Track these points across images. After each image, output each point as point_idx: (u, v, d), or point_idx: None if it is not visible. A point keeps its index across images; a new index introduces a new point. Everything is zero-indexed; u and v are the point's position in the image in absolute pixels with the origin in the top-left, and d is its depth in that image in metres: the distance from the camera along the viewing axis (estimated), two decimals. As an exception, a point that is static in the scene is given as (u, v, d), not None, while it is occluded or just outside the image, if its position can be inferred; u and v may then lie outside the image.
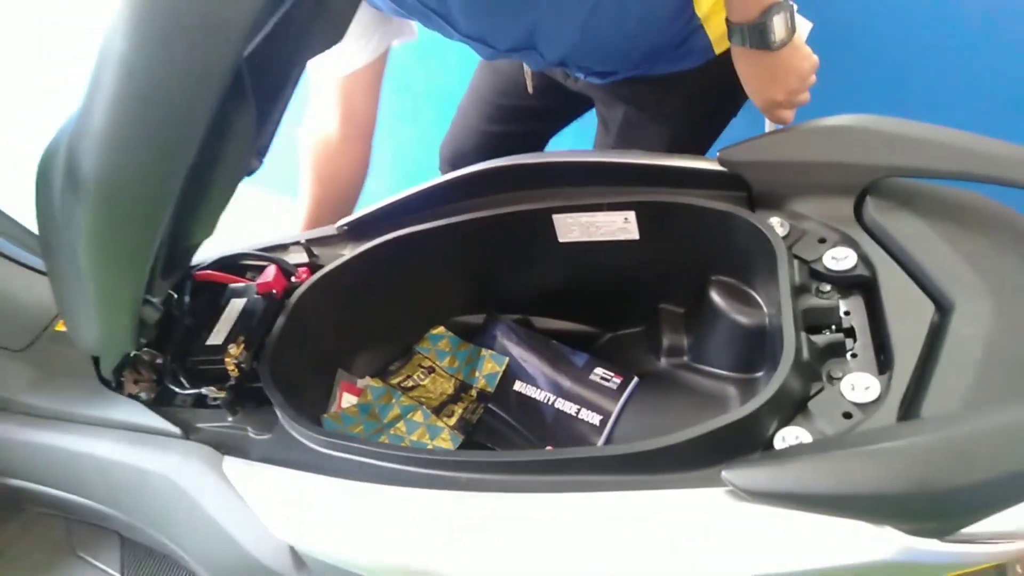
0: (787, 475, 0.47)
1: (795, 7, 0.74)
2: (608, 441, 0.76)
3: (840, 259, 0.62)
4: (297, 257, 0.82)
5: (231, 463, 0.64)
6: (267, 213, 1.58)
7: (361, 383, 0.81)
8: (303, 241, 0.82)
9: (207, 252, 0.79)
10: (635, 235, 0.74)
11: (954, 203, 0.63)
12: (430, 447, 0.76)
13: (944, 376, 0.51)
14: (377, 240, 0.78)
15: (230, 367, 0.68)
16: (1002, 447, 0.43)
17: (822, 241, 0.64)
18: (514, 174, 0.76)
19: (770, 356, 0.66)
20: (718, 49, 0.88)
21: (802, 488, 0.47)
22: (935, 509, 0.44)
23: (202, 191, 0.52)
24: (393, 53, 0.95)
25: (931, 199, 0.63)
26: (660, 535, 0.50)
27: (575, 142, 1.34)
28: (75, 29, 2.07)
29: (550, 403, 0.79)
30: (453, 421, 0.79)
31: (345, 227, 0.81)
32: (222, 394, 0.67)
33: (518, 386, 0.82)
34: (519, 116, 1.14)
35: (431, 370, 0.85)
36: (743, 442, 0.52)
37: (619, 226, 0.74)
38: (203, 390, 0.68)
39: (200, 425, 0.69)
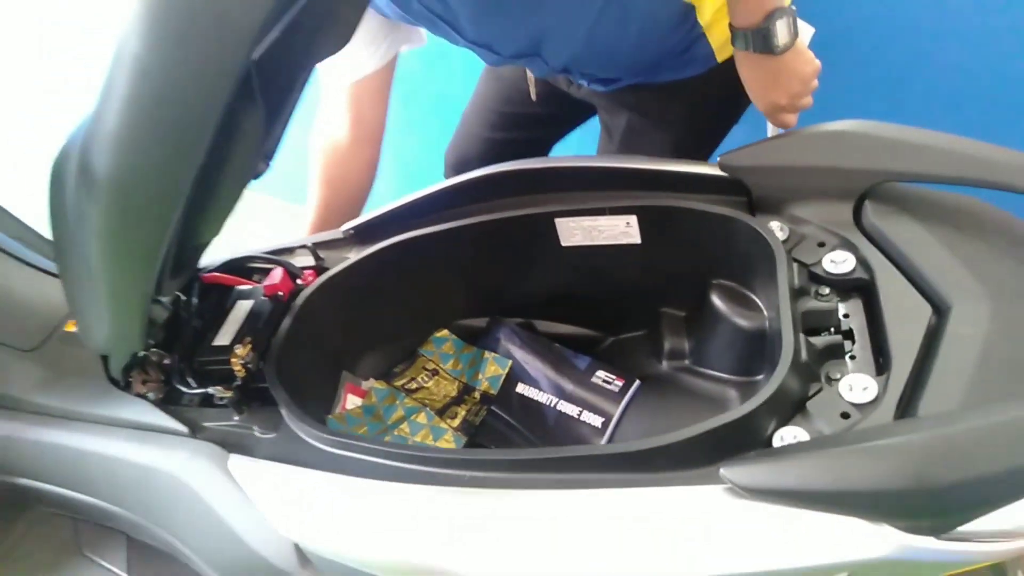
0: (784, 472, 0.48)
1: (795, 11, 0.75)
2: (610, 443, 0.76)
3: (839, 262, 0.63)
4: (303, 260, 0.83)
5: (237, 461, 0.65)
6: (274, 219, 1.59)
7: (365, 385, 0.82)
8: (309, 244, 0.83)
9: (214, 255, 0.80)
10: (637, 239, 0.75)
11: (952, 208, 0.64)
12: (433, 448, 0.77)
13: (941, 377, 0.51)
14: (382, 243, 0.79)
15: (236, 367, 0.69)
16: (997, 444, 0.44)
17: (821, 245, 0.65)
18: (517, 179, 0.77)
19: (770, 359, 0.66)
20: (720, 57, 0.89)
21: (799, 485, 0.47)
22: (931, 506, 0.45)
23: (211, 192, 0.53)
24: (400, 59, 0.97)
25: (929, 204, 0.64)
26: (659, 532, 0.50)
27: (578, 149, 1.35)
28: (75, 29, 2.08)
29: (552, 405, 0.80)
30: (456, 423, 0.80)
31: (351, 231, 0.83)
32: (228, 394, 0.68)
33: (521, 388, 0.82)
34: (522, 123, 1.15)
35: (435, 372, 0.85)
36: (742, 441, 0.53)
37: (621, 230, 0.75)
38: (210, 390, 0.69)
39: (207, 424, 0.69)
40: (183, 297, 0.77)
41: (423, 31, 0.95)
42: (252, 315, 0.76)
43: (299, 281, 0.79)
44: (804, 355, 0.57)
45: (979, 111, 1.12)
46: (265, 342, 0.72)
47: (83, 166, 0.44)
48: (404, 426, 0.78)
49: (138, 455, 0.69)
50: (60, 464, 0.78)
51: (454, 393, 0.84)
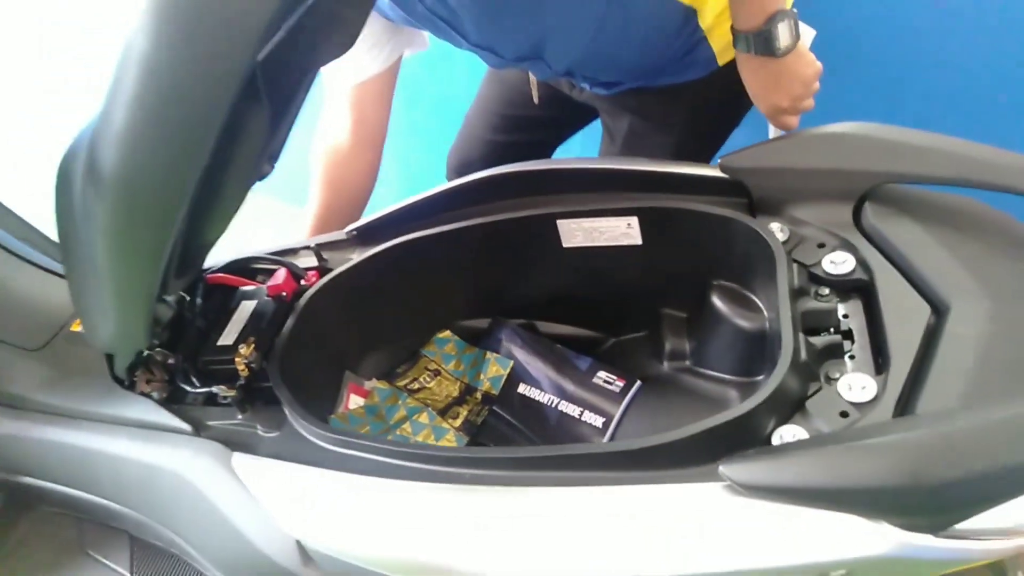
0: (783, 469, 0.48)
1: (796, 13, 0.76)
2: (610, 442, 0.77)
3: (839, 263, 0.63)
4: (307, 261, 0.83)
5: (240, 459, 0.65)
6: (278, 221, 1.60)
7: (368, 385, 0.82)
8: (313, 245, 0.83)
9: (219, 256, 0.80)
10: (638, 240, 0.75)
11: (951, 209, 0.64)
12: (435, 448, 0.77)
13: (939, 376, 0.52)
14: (385, 244, 0.79)
15: (240, 367, 0.69)
16: (995, 442, 0.44)
17: (821, 246, 0.66)
18: (519, 180, 0.77)
19: (771, 359, 0.67)
20: (722, 60, 0.90)
21: (797, 482, 0.48)
22: (929, 503, 0.45)
23: (216, 192, 0.54)
24: (403, 62, 0.98)
25: (928, 205, 0.65)
26: (659, 529, 0.50)
27: (580, 152, 1.35)
28: (75, 29, 2.09)
29: (554, 405, 0.81)
30: (458, 423, 0.81)
31: (354, 232, 0.83)
32: (232, 393, 0.68)
33: (522, 389, 0.83)
34: (524, 126, 1.16)
35: (437, 373, 0.86)
36: (741, 439, 0.53)
37: (622, 231, 0.75)
38: (214, 389, 0.69)
39: (210, 423, 0.70)
40: (187, 297, 0.78)
41: (426, 35, 0.95)
42: (256, 315, 0.76)
43: (302, 282, 0.80)
44: (804, 355, 0.57)
45: (979, 111, 1.12)
46: (269, 342, 0.72)
47: (90, 164, 0.45)
48: (406, 426, 0.79)
49: (142, 454, 0.70)
50: (64, 463, 0.78)
51: (456, 393, 0.85)
